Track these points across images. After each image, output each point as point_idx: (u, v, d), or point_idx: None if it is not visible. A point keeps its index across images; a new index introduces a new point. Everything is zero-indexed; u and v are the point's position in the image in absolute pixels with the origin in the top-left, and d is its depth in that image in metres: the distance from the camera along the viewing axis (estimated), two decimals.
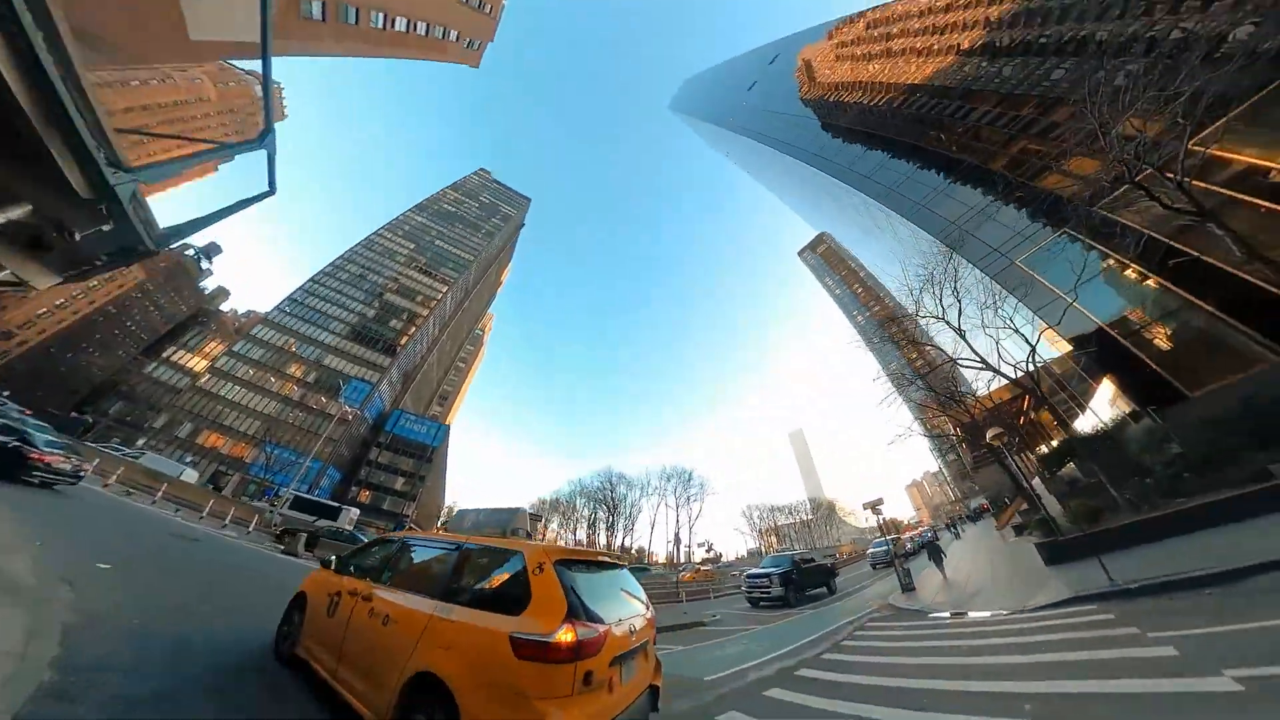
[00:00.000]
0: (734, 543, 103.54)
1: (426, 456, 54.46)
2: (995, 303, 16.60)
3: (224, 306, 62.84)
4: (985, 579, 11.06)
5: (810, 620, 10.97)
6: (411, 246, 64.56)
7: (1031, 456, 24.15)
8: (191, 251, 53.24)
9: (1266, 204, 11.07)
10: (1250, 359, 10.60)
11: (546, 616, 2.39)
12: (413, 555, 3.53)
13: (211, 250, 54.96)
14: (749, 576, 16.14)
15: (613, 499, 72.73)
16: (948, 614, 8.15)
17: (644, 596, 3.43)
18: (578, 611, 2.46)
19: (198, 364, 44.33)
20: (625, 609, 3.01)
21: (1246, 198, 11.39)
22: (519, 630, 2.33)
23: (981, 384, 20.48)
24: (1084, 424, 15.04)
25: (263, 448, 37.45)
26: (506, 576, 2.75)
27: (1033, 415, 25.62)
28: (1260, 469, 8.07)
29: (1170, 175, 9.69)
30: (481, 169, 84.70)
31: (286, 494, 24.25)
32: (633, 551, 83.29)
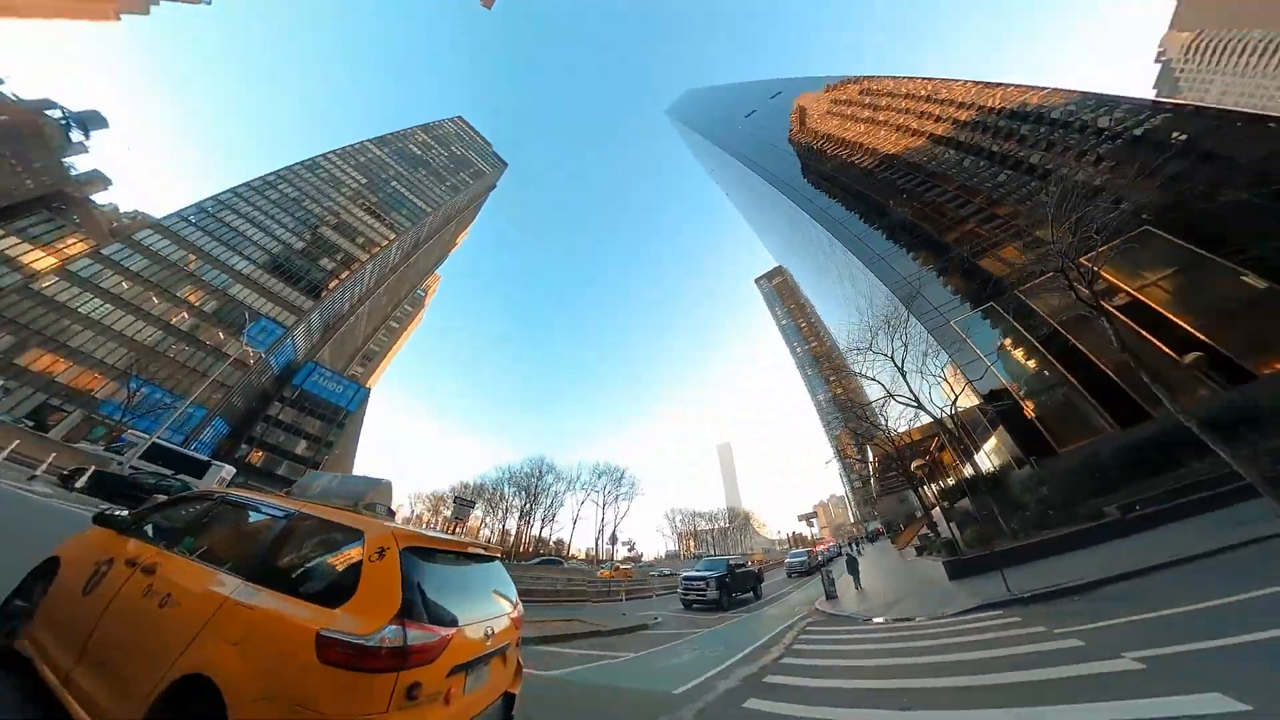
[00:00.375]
0: (654, 543, 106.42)
1: (339, 420, 47.87)
2: (931, 353, 19.30)
3: (99, 198, 48.81)
4: (899, 590, 12.61)
5: (748, 623, 11.54)
6: (363, 181, 56.36)
7: (934, 489, 28.28)
8: (59, 114, 40.50)
9: (1121, 315, 14.54)
10: (1097, 429, 13.76)
11: (371, 613, 1.97)
12: (230, 518, 2.79)
13: (91, 120, 42.38)
14: (685, 579, 16.45)
15: (536, 488, 70.76)
16: (882, 619, 9.04)
17: (514, 595, 3.12)
18: (415, 610, 2.08)
19: (40, 260, 33.67)
20: (488, 608, 2.69)
21: (1109, 307, 14.83)
22: (330, 627, 1.89)
23: (903, 421, 23.89)
24: (981, 465, 17.94)
25: (125, 382, 29.73)
26: (338, 560, 2.27)
27: (938, 454, 29.95)
28: (1097, 510, 10.65)
29: (1075, 279, 12.12)
30: (460, 117, 76.85)
31: (134, 436, 20.03)
32: (550, 543, 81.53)
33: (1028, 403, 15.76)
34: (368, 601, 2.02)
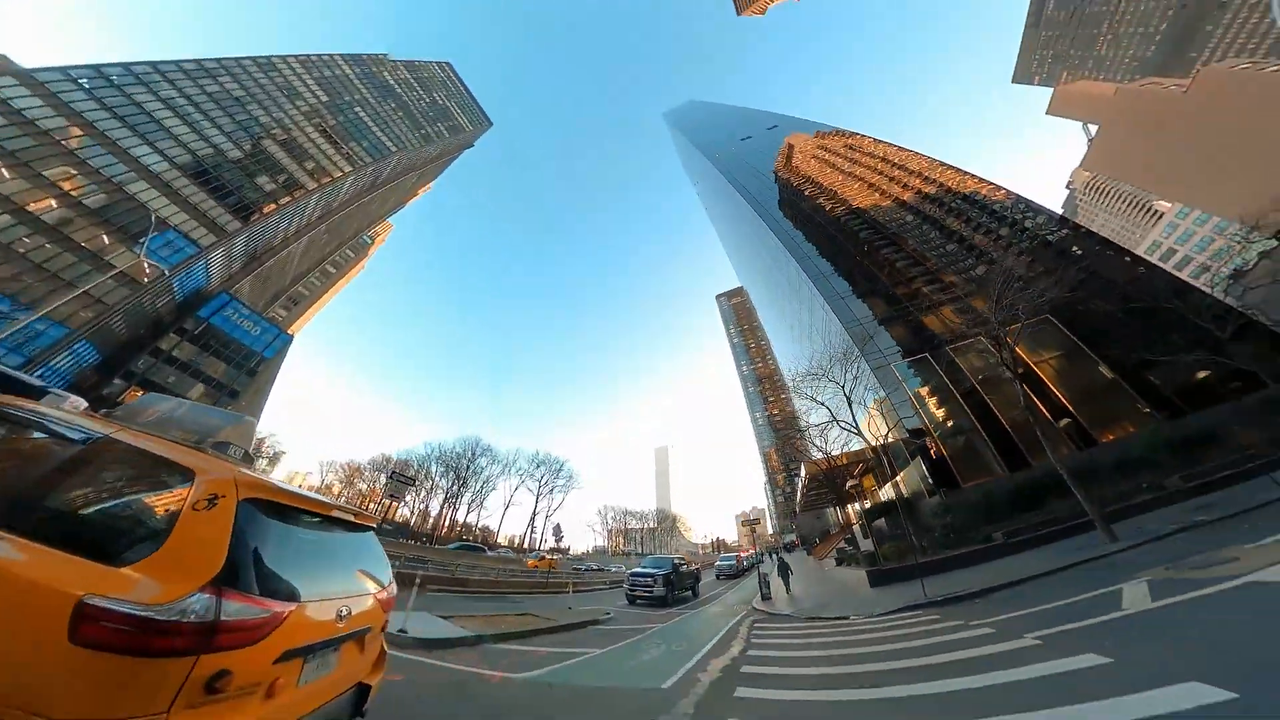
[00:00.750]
0: (582, 538, 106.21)
1: (250, 368, 41.78)
2: (872, 388, 22.45)
3: None
4: (826, 594, 14.45)
5: (696, 620, 12.24)
6: (324, 99, 49.47)
7: (854, 508, 32.67)
8: None
9: (1021, 382, 18.46)
10: (992, 470, 16.94)
11: (177, 575, 1.50)
12: (10, 436, 1.97)
13: None
14: (633, 575, 17.04)
15: (467, 470, 67.82)
16: (830, 616, 10.34)
17: (387, 574, 2.66)
18: (241, 576, 1.61)
19: None
20: (349, 585, 2.27)
21: (1016, 373, 18.77)
22: (102, 592, 1.37)
23: (838, 445, 27.31)
24: (900, 491, 21.13)
25: None
26: (149, 505, 1.75)
27: (859, 478, 34.46)
28: (988, 535, 13.36)
29: (1001, 346, 15.27)
30: (448, 63, 70.28)
31: None
32: (475, 529, 78.31)
33: (942, 443, 18.84)
34: (176, 560, 1.52)
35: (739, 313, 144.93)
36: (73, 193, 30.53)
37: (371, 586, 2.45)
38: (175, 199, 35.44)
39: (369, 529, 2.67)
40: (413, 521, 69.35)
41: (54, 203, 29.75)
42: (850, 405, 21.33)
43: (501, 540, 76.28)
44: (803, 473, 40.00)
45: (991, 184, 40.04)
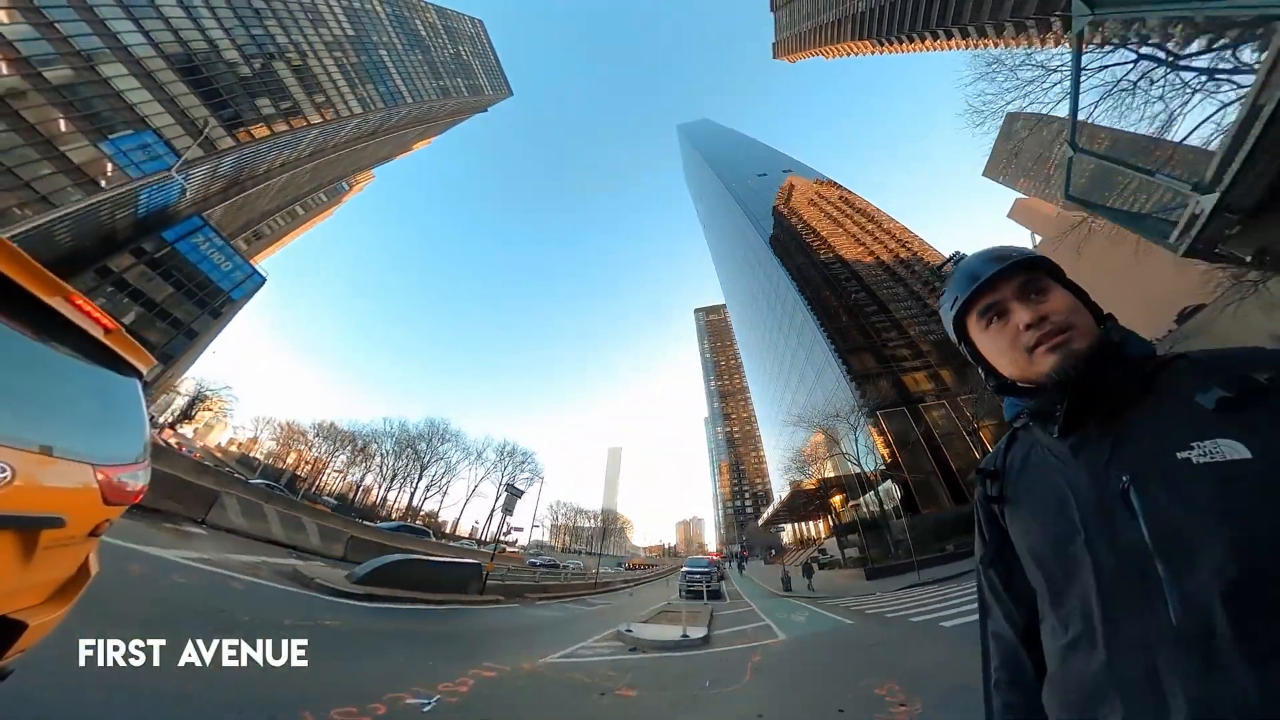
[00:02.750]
0: (527, 532, 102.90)
1: (215, 307, 36.18)
2: (861, 427, 28.78)
3: None
4: (835, 588, 18.43)
5: (780, 608, 14.56)
6: (349, 33, 44.33)
7: (822, 525, 39.53)
8: None
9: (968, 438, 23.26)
10: (943, 503, 22.42)
11: None
12: None
13: None
14: (687, 573, 20.03)
15: (428, 453, 63.82)
16: (860, 594, 14.55)
17: (135, 450, 1.48)
18: None
19: None
20: (25, 433, 1.09)
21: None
22: None
23: (828, 470, 33.60)
24: (875, 511, 26.31)
25: None
26: None
27: (830, 499, 39.74)
28: (941, 547, 18.49)
29: (954, 407, 20.78)
30: (479, 20, 66.02)
31: None
32: (427, 516, 73.29)
33: (910, 478, 24.48)
34: None
35: (714, 329, 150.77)
36: (30, 59, 24.74)
37: (89, 455, 1.29)
38: (160, 96, 30.12)
39: (131, 374, 1.51)
40: (352, 498, 63.25)
41: (6, 66, 23.88)
42: (856, 437, 27.44)
43: (463, 531, 72.13)
44: (786, 490, 44.13)
45: (939, 253, 48.35)
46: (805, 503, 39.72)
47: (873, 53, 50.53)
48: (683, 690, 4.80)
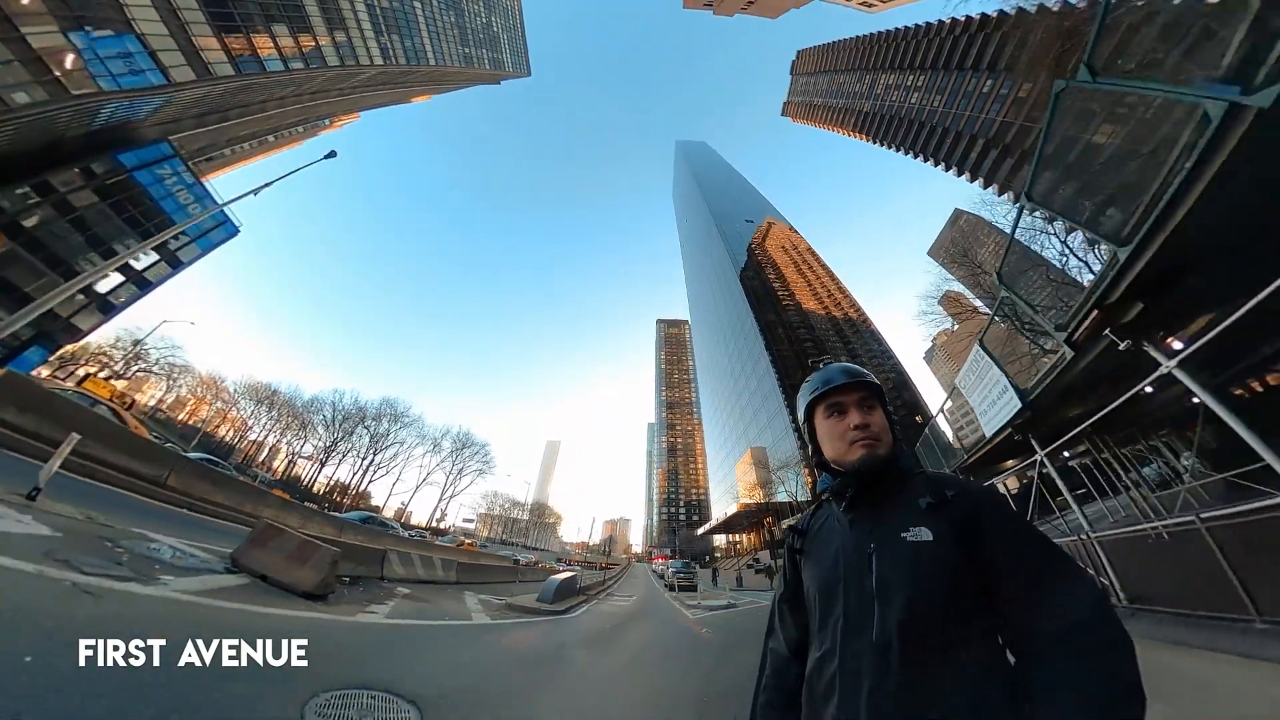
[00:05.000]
0: (455, 520, 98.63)
1: (172, 254, 30.93)
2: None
3: None
4: (765, 585, 24.37)
5: (743, 594, 20.64)
6: None
7: (754, 537, 48.00)
8: None
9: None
10: None
11: None
12: None
13: None
14: (676, 570, 26.40)
15: (384, 434, 59.86)
16: None
17: None
18: None
19: None
20: None
21: None
22: None
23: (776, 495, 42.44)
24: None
25: None
26: None
27: (766, 519, 47.78)
28: None
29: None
30: None
31: None
32: (355, 491, 67.91)
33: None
34: None
35: (672, 342, 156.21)
36: None
37: None
38: (160, 3, 25.20)
39: None
40: (250, 455, 56.39)
41: None
42: (812, 474, 34.25)
43: (417, 520, 67.55)
44: (734, 508, 52.36)
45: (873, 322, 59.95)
46: (745, 519, 47.87)
47: (867, 142, 58.04)
48: (733, 629, 10.84)
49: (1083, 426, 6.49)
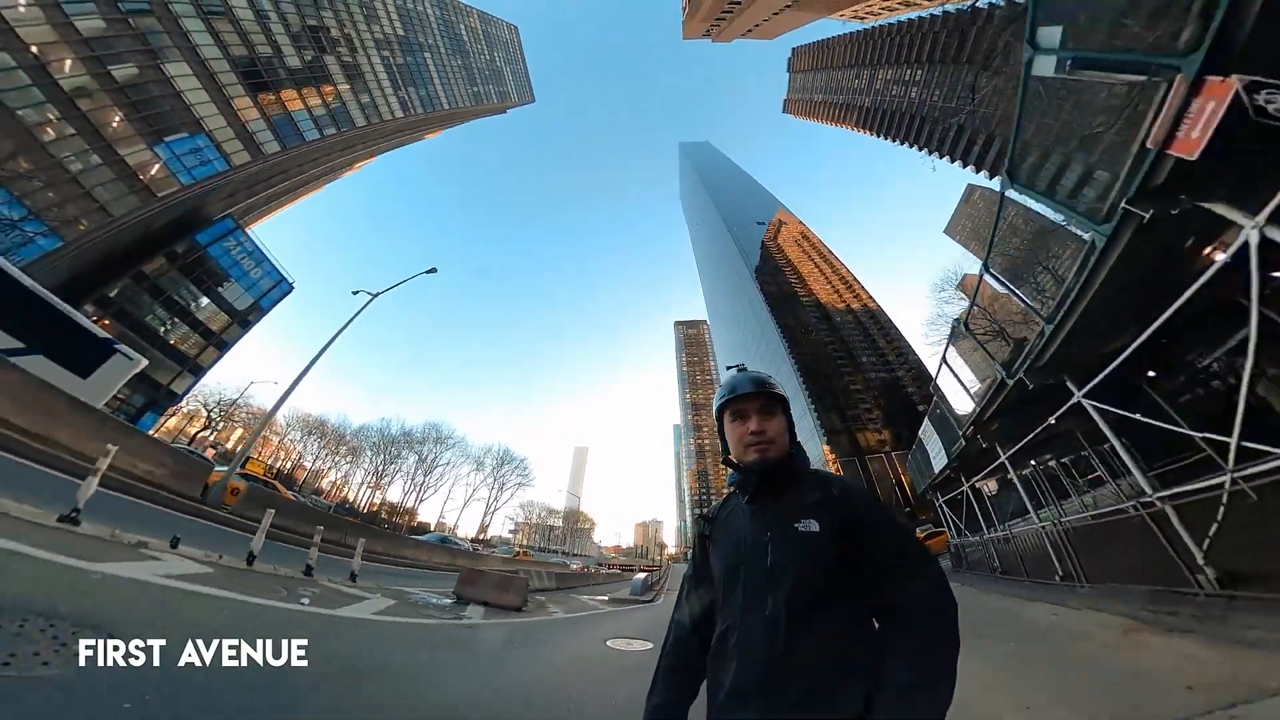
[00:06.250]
0: (498, 529, 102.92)
1: (243, 317, 34.53)
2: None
3: None
4: None
5: None
6: (400, 34, 42.64)
7: None
8: None
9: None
10: None
11: None
12: None
13: None
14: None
15: (432, 458, 63.56)
16: None
17: None
18: None
19: None
20: None
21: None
22: None
23: None
24: None
25: None
26: None
27: None
28: None
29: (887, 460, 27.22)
30: (515, 26, 64.43)
31: None
32: (399, 508, 72.13)
33: None
34: None
35: (691, 343, 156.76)
36: (96, 62, 23.14)
37: None
38: (217, 97, 28.55)
39: None
40: (352, 502, 61.04)
41: (72, 60, 22.20)
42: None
43: (463, 531, 71.86)
44: None
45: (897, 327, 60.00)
46: None
47: (868, 135, 58.25)
48: None
49: (1002, 458, 8.69)
